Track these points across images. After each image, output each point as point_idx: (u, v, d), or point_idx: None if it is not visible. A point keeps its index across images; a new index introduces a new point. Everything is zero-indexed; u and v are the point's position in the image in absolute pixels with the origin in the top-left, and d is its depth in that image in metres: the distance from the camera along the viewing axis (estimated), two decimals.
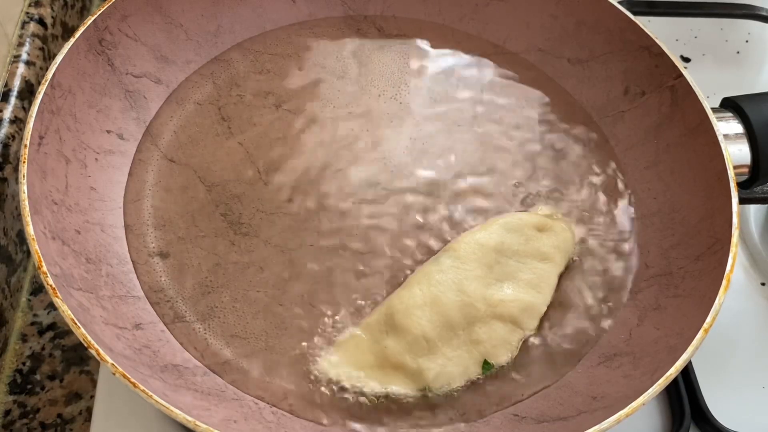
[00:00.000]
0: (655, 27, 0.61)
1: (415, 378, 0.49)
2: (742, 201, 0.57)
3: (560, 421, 0.48)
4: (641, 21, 0.61)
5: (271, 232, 0.55)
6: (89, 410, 0.57)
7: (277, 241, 0.55)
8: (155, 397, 0.42)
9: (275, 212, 0.56)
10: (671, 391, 0.57)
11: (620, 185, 0.60)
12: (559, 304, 0.54)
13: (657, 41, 0.60)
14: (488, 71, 0.65)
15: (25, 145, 0.49)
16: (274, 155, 0.59)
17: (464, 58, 0.66)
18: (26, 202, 0.47)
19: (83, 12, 0.80)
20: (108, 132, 0.56)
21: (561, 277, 0.55)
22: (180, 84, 0.61)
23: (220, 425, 0.42)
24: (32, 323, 0.62)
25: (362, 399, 0.49)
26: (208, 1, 0.63)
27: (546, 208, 0.58)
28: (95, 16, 0.56)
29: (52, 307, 0.63)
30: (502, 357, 0.51)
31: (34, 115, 0.50)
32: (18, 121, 0.63)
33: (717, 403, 0.56)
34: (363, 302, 0.53)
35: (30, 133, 0.50)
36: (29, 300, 0.64)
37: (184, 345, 0.50)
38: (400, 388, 0.49)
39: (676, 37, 0.82)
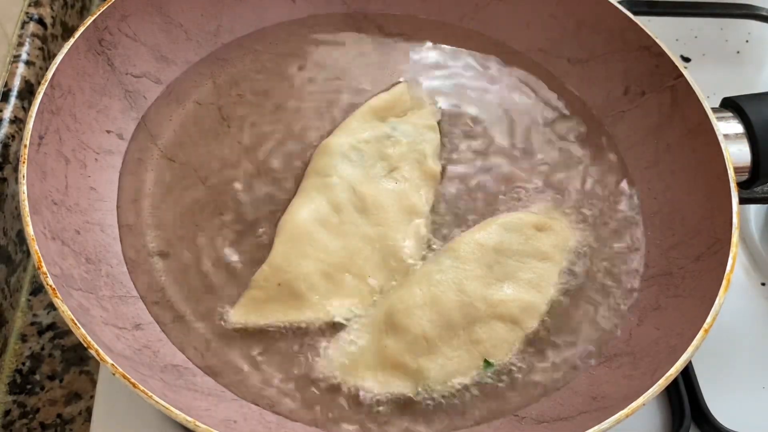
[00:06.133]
0: (655, 27, 0.61)
1: (415, 377, 0.49)
2: (743, 201, 0.57)
3: (560, 421, 0.48)
4: (641, 21, 0.61)
5: (272, 231, 0.55)
6: (89, 410, 0.57)
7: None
8: (155, 397, 0.42)
9: (276, 211, 0.56)
10: (671, 392, 0.57)
11: (620, 185, 0.60)
12: (559, 303, 0.54)
13: (657, 41, 0.60)
14: (488, 70, 0.65)
15: (25, 145, 0.49)
16: (274, 154, 0.58)
17: (464, 57, 0.66)
18: (26, 202, 0.47)
19: (83, 12, 0.80)
20: (108, 132, 0.56)
21: (561, 276, 0.55)
22: (180, 84, 0.61)
23: (220, 426, 0.42)
24: (32, 323, 0.62)
25: (362, 399, 0.49)
26: (208, 1, 0.63)
27: (545, 207, 0.58)
28: (95, 16, 0.56)
29: (51, 307, 0.63)
30: (502, 356, 0.51)
31: (33, 115, 0.50)
32: (18, 121, 0.63)
33: (717, 403, 0.56)
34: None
35: (30, 133, 0.50)
36: (29, 300, 0.64)
37: (184, 345, 0.50)
38: (400, 387, 0.49)
39: (676, 37, 0.82)
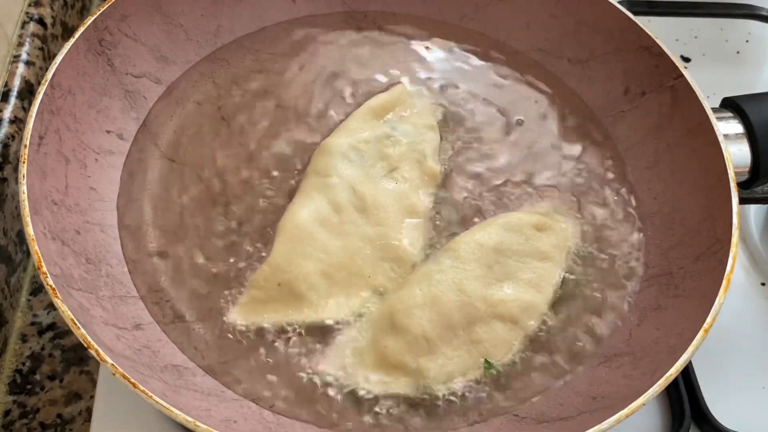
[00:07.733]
0: (655, 27, 0.61)
1: (416, 378, 0.49)
2: (742, 201, 0.57)
3: (560, 421, 0.48)
4: (641, 21, 0.61)
5: (272, 231, 0.55)
6: (89, 410, 0.57)
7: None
8: (155, 397, 0.42)
9: (276, 211, 0.56)
10: (671, 392, 0.57)
11: (620, 185, 0.60)
12: (559, 303, 0.54)
13: (657, 41, 0.60)
14: (489, 69, 0.65)
15: (25, 146, 0.49)
16: (274, 154, 0.58)
17: (464, 55, 0.66)
18: (26, 203, 0.47)
19: (83, 12, 0.80)
20: (108, 132, 0.56)
21: (561, 276, 0.55)
22: (180, 84, 0.61)
23: (220, 426, 0.42)
24: (32, 323, 0.62)
25: (362, 399, 0.49)
26: (208, 1, 0.63)
27: (545, 207, 0.58)
28: (95, 16, 0.56)
29: (51, 307, 0.63)
30: (502, 356, 0.51)
31: (33, 115, 0.50)
32: (18, 121, 0.63)
33: (717, 403, 0.56)
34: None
35: (30, 133, 0.50)
36: (29, 300, 0.64)
37: (184, 345, 0.50)
38: (400, 387, 0.49)
39: (676, 37, 0.82)
